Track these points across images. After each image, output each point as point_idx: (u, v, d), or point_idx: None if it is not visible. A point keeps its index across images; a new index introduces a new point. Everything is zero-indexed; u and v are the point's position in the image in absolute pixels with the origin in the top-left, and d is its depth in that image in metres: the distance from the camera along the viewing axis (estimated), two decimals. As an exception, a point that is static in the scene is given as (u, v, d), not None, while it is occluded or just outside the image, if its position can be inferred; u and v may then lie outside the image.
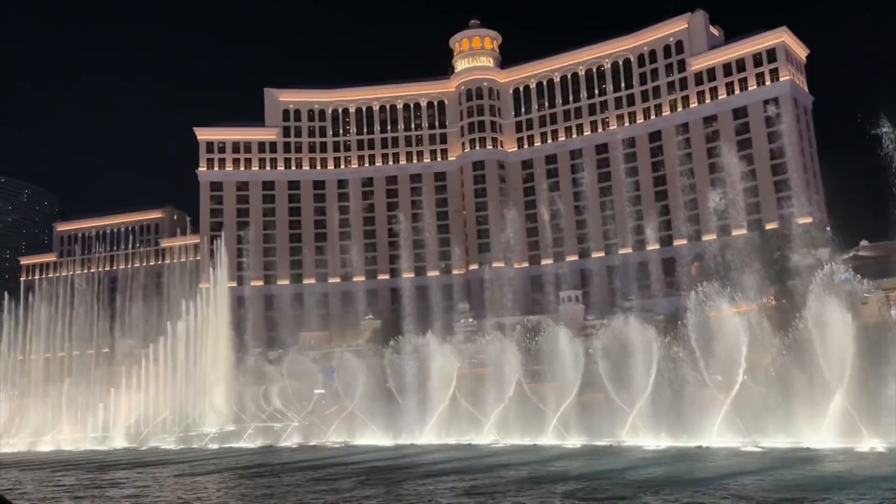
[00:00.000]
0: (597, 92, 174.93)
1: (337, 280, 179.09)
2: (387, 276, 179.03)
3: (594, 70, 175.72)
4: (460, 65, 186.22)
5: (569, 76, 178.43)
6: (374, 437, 68.94)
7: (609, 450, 51.06)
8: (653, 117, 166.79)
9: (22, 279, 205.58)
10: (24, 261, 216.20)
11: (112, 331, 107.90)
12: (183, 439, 77.77)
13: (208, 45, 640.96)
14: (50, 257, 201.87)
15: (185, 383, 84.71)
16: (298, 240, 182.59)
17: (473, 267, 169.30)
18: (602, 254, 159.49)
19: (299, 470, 44.31)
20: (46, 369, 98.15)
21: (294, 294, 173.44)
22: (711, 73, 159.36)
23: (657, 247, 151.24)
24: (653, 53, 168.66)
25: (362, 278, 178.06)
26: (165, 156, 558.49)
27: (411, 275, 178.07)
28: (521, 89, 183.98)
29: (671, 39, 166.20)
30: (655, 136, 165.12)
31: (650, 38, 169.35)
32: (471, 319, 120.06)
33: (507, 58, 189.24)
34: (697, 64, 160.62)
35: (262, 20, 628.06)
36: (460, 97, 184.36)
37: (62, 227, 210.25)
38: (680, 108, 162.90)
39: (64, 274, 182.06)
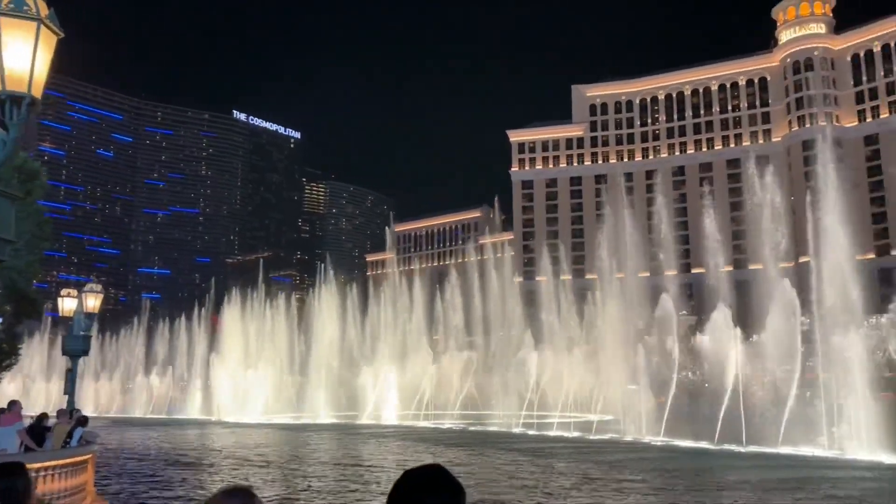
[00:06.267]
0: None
1: (646, 274, 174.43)
2: (702, 270, 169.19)
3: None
4: (785, 35, 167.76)
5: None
6: (693, 438, 65.54)
7: None
8: None
9: (369, 273, 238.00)
10: (369, 257, 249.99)
11: (436, 321, 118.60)
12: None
13: (511, 49, 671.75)
14: (389, 255, 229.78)
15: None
16: (604, 234, 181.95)
17: (804, 259, 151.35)
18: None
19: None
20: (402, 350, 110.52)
21: (601, 288, 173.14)
22: None
23: None
24: None
25: (674, 272, 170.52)
26: (481, 157, 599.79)
27: (730, 268, 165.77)
28: (862, 55, 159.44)
29: None
30: None
31: None
32: (804, 318, 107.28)
33: (843, 22, 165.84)
34: None
35: (568, 16, 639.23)
36: (785, 70, 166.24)
37: (398, 228, 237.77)
38: None
39: (401, 269, 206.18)
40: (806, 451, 54.25)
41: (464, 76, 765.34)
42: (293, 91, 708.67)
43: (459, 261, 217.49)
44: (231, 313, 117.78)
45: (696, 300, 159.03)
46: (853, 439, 53.37)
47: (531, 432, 77.24)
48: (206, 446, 55.99)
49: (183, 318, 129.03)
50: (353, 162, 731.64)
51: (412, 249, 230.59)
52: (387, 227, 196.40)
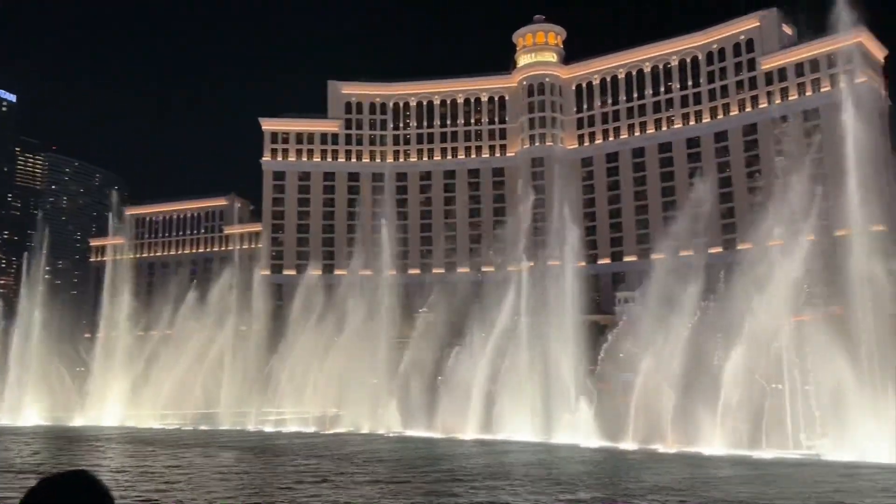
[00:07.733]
0: (662, 90, 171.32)
1: (393, 272, 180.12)
2: (441, 271, 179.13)
3: (660, 67, 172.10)
4: (523, 60, 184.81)
5: (634, 73, 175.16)
6: (424, 429, 69.10)
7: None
8: (720, 117, 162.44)
9: (91, 260, 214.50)
10: (94, 242, 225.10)
11: (174, 313, 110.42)
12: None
13: (276, 36, 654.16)
14: (119, 240, 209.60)
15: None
16: (355, 231, 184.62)
17: (529, 264, 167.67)
18: (662, 255, 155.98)
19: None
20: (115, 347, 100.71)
21: (350, 284, 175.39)
22: (783, 72, 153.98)
23: (720, 249, 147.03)
24: (722, 51, 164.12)
25: (417, 271, 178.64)
26: (231, 145, 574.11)
27: (466, 269, 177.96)
28: (584, 86, 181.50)
29: (742, 37, 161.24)
30: (721, 136, 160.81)
31: (720, 35, 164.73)
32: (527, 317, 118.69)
33: (571, 54, 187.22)
34: (768, 63, 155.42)
35: (328, 14, 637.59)
36: (522, 92, 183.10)
37: (131, 212, 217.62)
38: (749, 108, 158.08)
39: (131, 256, 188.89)
40: (521, 437, 60.14)
41: (216, 57, 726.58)
42: (9, 47, 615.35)
43: (202, 250, 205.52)
44: None
45: (436, 298, 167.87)
46: (566, 427, 60.28)
47: (267, 429, 75.80)
48: None
49: None
50: (80, 135, 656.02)
51: (148, 235, 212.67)
52: (113, 209, 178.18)
